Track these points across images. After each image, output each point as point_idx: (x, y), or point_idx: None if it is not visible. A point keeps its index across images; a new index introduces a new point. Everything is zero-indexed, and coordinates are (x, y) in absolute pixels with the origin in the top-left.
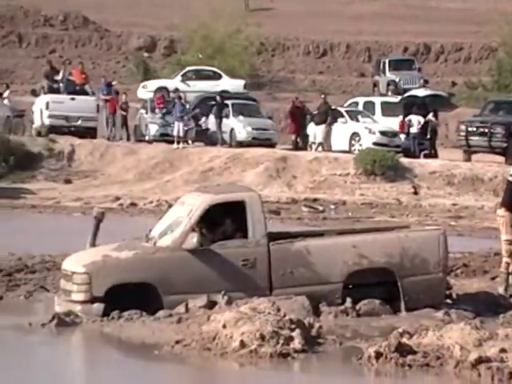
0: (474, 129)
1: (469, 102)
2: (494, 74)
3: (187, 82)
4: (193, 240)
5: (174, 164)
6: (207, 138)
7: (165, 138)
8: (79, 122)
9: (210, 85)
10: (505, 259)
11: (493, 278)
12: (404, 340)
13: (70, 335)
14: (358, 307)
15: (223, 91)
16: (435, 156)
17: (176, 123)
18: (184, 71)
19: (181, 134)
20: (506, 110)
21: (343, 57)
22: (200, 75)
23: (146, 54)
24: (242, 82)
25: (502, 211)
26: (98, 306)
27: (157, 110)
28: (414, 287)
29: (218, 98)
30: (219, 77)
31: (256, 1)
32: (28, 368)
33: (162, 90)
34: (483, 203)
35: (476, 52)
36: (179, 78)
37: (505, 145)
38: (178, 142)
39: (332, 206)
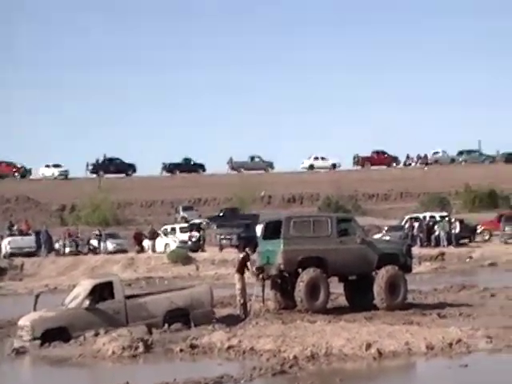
0: None
1: None
2: None
3: None
4: (86, 303)
5: (76, 265)
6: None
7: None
8: (26, 250)
9: None
10: None
11: None
12: None
13: (22, 358)
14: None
15: None
16: None
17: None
18: None
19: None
20: None
21: None
22: None
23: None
24: None
25: None
26: (37, 342)
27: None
28: None
29: None
30: None
31: None
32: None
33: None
34: None
35: None
36: None
37: None
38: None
39: None
